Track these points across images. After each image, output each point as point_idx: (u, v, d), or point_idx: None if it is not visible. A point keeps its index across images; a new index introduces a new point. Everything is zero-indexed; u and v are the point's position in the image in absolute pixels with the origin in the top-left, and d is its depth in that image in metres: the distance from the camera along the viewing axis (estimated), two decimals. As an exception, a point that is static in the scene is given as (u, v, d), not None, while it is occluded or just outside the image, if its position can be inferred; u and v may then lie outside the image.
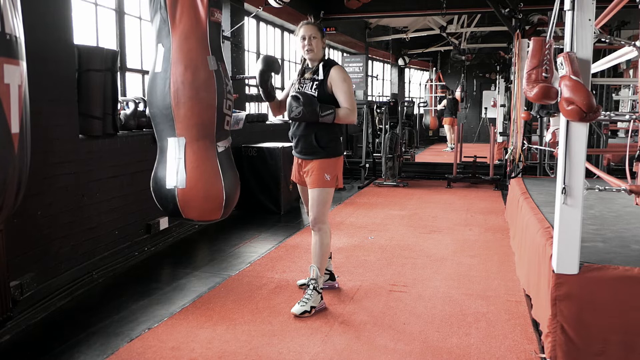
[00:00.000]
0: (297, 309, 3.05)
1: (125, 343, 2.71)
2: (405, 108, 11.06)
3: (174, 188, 2.47)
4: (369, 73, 12.55)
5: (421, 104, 15.35)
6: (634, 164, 2.90)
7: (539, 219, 3.31)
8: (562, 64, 2.25)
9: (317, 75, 3.07)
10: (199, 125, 2.46)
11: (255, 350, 2.64)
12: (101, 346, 2.69)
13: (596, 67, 4.23)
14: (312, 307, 3.06)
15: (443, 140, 15.45)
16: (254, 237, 4.91)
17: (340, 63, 10.04)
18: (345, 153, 8.69)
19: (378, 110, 9.30)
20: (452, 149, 13.46)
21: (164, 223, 4.53)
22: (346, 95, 3.03)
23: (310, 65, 3.15)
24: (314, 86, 3.07)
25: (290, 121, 3.15)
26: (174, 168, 2.47)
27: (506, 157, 6.85)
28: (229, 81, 2.59)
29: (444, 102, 14.10)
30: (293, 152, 3.26)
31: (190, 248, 4.66)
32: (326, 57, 3.15)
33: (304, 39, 3.06)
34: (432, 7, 8.52)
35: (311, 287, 3.12)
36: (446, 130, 14.21)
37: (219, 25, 2.59)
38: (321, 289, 3.16)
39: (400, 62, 14.95)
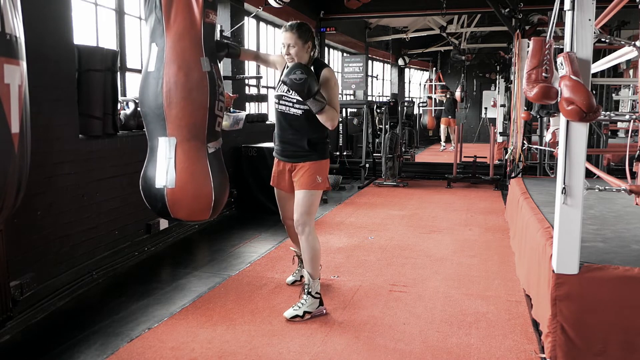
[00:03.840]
0: (289, 312, 3.02)
1: (125, 343, 2.71)
2: (405, 108, 11.05)
3: (163, 187, 2.46)
4: (369, 73, 12.53)
5: (421, 104, 15.35)
6: (634, 164, 2.90)
7: (539, 219, 3.31)
8: (562, 64, 2.25)
9: None
10: (190, 125, 2.45)
11: (255, 350, 2.64)
12: (101, 346, 2.69)
13: (596, 67, 4.23)
14: (305, 312, 2.99)
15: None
16: (254, 237, 4.91)
17: (340, 63, 10.14)
18: (345, 153, 8.67)
19: (378, 110, 9.29)
20: (444, 149, 13.58)
21: (164, 223, 4.53)
22: (334, 100, 2.94)
23: None
24: None
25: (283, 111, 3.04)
26: (164, 167, 2.47)
27: (506, 157, 6.84)
28: (222, 83, 2.59)
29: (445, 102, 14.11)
30: (277, 155, 3.18)
31: (190, 248, 4.67)
32: (314, 57, 3.02)
33: (283, 46, 2.95)
34: (432, 7, 8.51)
35: (306, 291, 3.07)
36: (442, 130, 14.27)
37: (214, 27, 2.59)
38: (317, 293, 3.07)
39: (400, 62, 14.93)
